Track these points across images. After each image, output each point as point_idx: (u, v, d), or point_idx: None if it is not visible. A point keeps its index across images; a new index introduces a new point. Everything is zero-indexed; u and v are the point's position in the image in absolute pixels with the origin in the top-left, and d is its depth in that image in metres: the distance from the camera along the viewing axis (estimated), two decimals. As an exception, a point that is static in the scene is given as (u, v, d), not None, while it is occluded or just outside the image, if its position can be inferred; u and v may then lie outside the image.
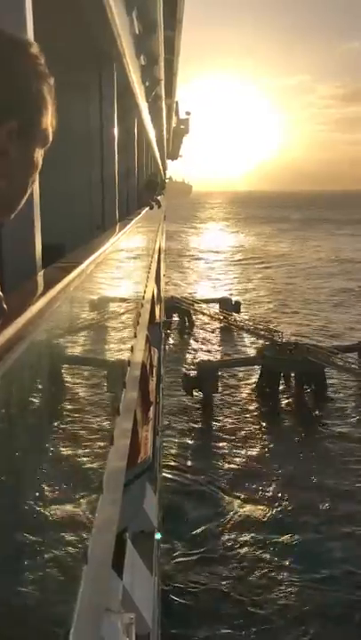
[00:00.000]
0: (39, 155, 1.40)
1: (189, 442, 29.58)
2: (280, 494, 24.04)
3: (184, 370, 37.27)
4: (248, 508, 23.09)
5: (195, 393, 33.90)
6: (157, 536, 9.84)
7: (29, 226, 2.79)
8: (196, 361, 39.19)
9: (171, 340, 48.67)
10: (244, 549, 20.49)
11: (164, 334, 28.11)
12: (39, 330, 1.74)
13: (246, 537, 21.16)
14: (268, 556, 20.09)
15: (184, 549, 20.28)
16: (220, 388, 34.40)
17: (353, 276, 78.32)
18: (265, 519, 22.33)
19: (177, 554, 20.02)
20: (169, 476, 25.12)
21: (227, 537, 21.19)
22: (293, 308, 60.02)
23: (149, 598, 7.64)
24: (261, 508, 23.15)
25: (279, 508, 23.04)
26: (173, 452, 27.88)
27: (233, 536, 21.22)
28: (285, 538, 21.02)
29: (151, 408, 12.87)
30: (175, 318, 51.62)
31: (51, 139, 1.43)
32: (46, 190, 3.43)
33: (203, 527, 21.49)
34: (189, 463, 27.00)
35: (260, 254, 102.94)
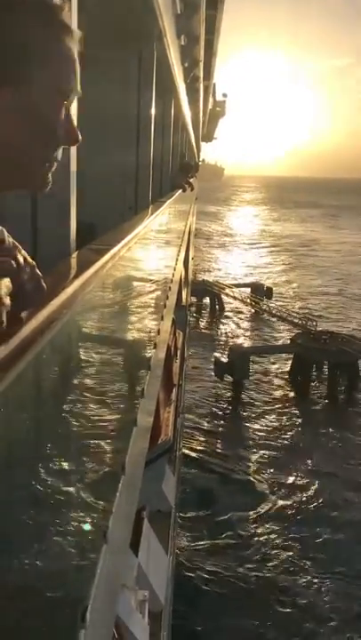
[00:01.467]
0: (61, 109, 1.22)
1: (219, 426, 29.57)
2: (307, 485, 23.98)
3: (215, 354, 37.18)
4: (272, 497, 23.15)
5: (225, 377, 33.81)
6: (173, 515, 9.96)
7: (66, 207, 2.80)
8: (228, 346, 39.08)
9: (201, 323, 48.68)
10: (266, 537, 20.56)
11: (189, 317, 28.14)
12: (72, 312, 1.75)
13: (268, 525, 21.22)
14: (288, 545, 20.12)
15: (204, 532, 20.45)
16: (251, 374, 34.24)
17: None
18: (289, 509, 22.33)
19: (196, 535, 20.22)
20: (195, 457, 25.29)
21: (250, 524, 21.27)
22: (328, 296, 59.30)
23: (163, 576, 7.76)
24: (286, 497, 23.16)
25: (304, 499, 23.01)
26: (202, 435, 27.96)
27: (256, 523, 21.30)
28: (307, 529, 21.00)
29: (174, 390, 12.95)
30: (206, 301, 51.53)
31: (77, 88, 1.25)
32: (81, 169, 3.43)
33: (227, 511, 21.63)
34: (217, 447, 27.07)
35: (294, 240, 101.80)
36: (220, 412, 31.20)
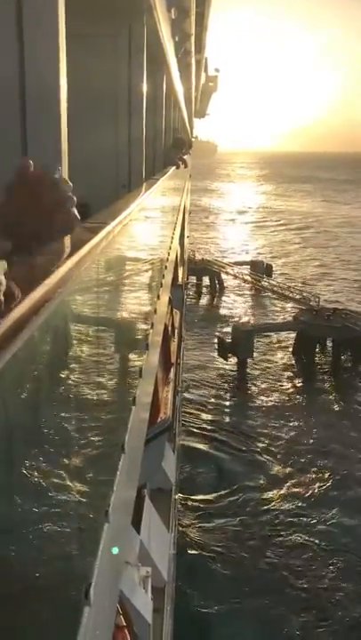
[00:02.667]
0: None
1: (224, 405, 29.39)
2: (312, 462, 23.91)
3: (218, 334, 36.78)
4: (279, 475, 23.10)
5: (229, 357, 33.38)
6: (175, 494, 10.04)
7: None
8: (231, 325, 38.79)
9: (202, 303, 48.37)
10: (272, 514, 20.56)
11: (185, 295, 27.96)
12: (67, 291, 1.73)
13: (274, 503, 21.21)
14: (293, 522, 20.15)
15: (211, 510, 20.53)
16: (254, 352, 33.83)
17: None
18: (295, 486, 22.30)
19: (202, 513, 20.32)
20: (201, 436, 25.30)
21: (257, 502, 21.28)
22: (327, 272, 58.87)
23: (165, 553, 7.86)
24: (292, 474, 23.13)
25: (310, 475, 22.96)
26: (208, 414, 27.87)
27: (263, 501, 21.32)
28: (314, 507, 21.01)
29: (172, 369, 12.98)
30: (206, 281, 51.16)
31: None
32: (73, 148, 3.38)
33: (234, 489, 21.69)
34: (224, 426, 26.87)
35: (289, 214, 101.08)
36: (225, 391, 30.95)
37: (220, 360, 34.29)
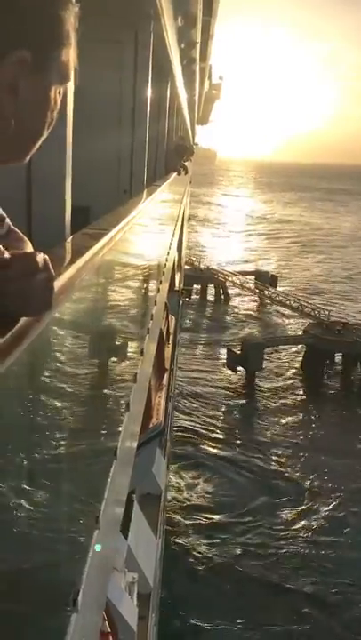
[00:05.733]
0: (56, 93, 1.20)
1: (232, 418, 29.15)
2: (319, 476, 23.79)
3: (226, 345, 36.41)
4: (287, 489, 22.99)
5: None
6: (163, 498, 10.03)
7: (60, 190, 2.77)
8: (237, 335, 38.36)
9: (207, 312, 48.22)
10: (281, 528, 20.49)
11: (182, 302, 27.94)
12: (68, 299, 1.74)
13: (281, 517, 21.12)
14: (298, 537, 20.09)
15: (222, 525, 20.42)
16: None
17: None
18: (302, 501, 22.18)
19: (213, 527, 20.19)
20: (212, 450, 25.22)
21: (266, 515, 21.24)
22: (331, 283, 58.75)
23: (152, 559, 7.83)
24: (301, 490, 22.99)
25: (317, 490, 22.86)
26: (216, 428, 27.67)
27: (271, 514, 21.26)
28: (318, 521, 20.97)
29: (165, 375, 12.97)
30: (210, 289, 51.03)
31: (71, 76, 1.23)
32: (75, 152, 3.39)
33: (240, 503, 21.63)
34: (231, 439, 26.71)
35: (292, 224, 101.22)
36: (233, 404, 30.56)
37: (227, 371, 34.01)
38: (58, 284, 1.61)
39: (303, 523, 20.90)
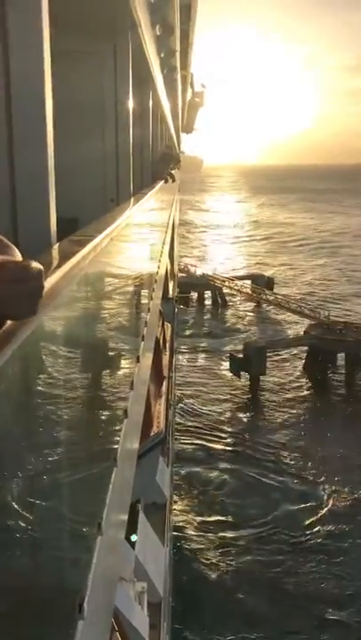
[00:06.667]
0: None
1: (238, 422, 29.00)
2: (326, 477, 23.71)
3: (229, 349, 36.19)
4: (291, 489, 22.91)
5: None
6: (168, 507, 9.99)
7: (44, 200, 2.77)
8: (237, 339, 38.08)
9: (206, 316, 48.10)
10: (285, 532, 20.35)
11: (177, 310, 27.90)
12: (54, 304, 1.74)
13: (288, 519, 20.98)
14: (303, 541, 19.95)
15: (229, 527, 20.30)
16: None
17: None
18: (304, 502, 22.10)
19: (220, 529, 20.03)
20: (220, 455, 25.14)
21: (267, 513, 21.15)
22: (327, 285, 58.79)
23: (161, 568, 7.79)
24: (304, 489, 22.95)
25: (324, 490, 22.77)
26: (226, 433, 27.55)
27: (277, 514, 21.16)
28: (322, 521, 20.86)
29: (164, 382, 12.95)
30: (208, 295, 51.02)
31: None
32: (60, 163, 3.40)
33: (250, 505, 21.59)
34: (239, 444, 26.60)
35: (281, 227, 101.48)
36: (238, 409, 30.37)
37: (230, 375, 33.80)
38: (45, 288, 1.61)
39: (315, 525, 20.81)
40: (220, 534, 20.22)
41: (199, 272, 53.14)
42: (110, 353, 3.78)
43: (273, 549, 19.47)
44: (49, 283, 1.68)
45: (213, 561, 18.93)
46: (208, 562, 18.86)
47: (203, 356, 38.61)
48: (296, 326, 41.01)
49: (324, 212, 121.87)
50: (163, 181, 12.02)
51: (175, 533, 17.93)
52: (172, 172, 15.08)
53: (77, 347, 2.50)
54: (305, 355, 35.40)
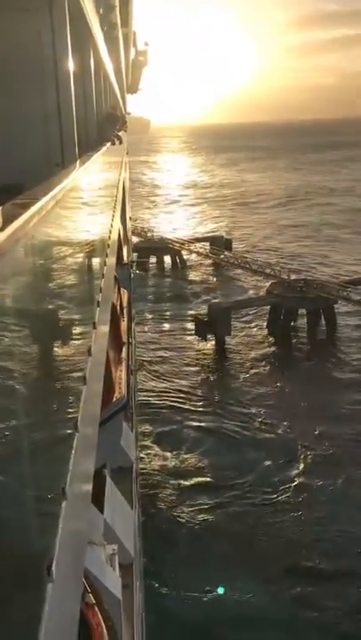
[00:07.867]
0: None
1: (207, 383, 29.31)
2: (294, 427, 24.38)
3: (192, 312, 36.36)
4: (264, 442, 23.48)
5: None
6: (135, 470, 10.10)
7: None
8: (198, 302, 38.23)
9: (166, 281, 47.92)
10: (256, 487, 20.84)
11: (133, 275, 27.71)
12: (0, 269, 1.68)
13: (260, 475, 21.49)
14: (270, 493, 20.52)
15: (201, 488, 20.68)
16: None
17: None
18: (275, 452, 22.70)
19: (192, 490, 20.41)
20: (190, 417, 25.47)
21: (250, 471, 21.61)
22: (282, 243, 59.26)
23: (130, 530, 7.91)
24: (275, 440, 23.60)
25: (291, 443, 23.42)
26: (194, 396, 27.82)
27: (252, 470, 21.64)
28: (289, 474, 21.47)
29: (124, 348, 12.92)
30: (167, 259, 50.69)
31: None
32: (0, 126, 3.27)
33: (218, 466, 21.99)
34: (208, 404, 26.95)
35: (233, 186, 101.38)
36: (206, 371, 30.70)
37: (195, 338, 34.07)
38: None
39: (287, 477, 21.44)
40: (194, 492, 20.65)
41: (157, 236, 52.66)
42: (64, 320, 3.72)
43: (245, 503, 20.02)
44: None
45: (185, 517, 19.35)
46: (180, 519, 19.26)
47: (166, 320, 38.69)
48: (257, 285, 41.49)
49: (280, 171, 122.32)
50: (110, 143, 11.75)
51: (147, 492, 18.19)
52: (119, 133, 14.75)
53: (27, 313, 2.45)
54: (267, 314, 36.07)
